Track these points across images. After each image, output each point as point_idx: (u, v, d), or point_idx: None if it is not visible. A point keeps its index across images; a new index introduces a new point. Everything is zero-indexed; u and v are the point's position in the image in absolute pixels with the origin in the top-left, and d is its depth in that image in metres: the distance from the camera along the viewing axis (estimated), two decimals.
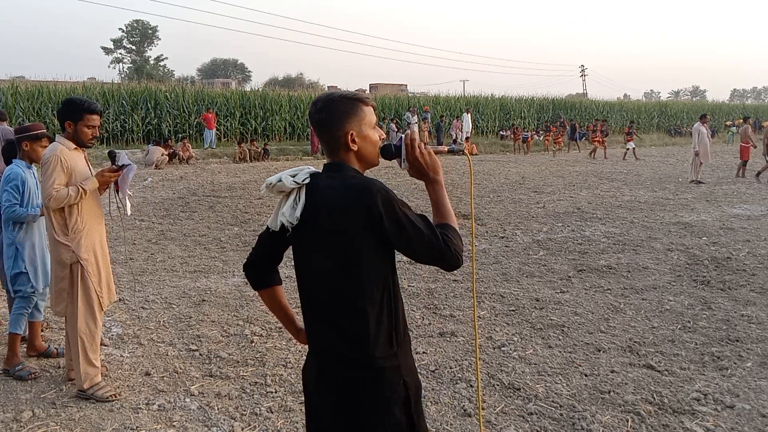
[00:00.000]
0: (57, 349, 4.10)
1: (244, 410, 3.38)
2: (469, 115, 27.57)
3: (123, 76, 66.48)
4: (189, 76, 70.06)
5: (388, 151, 1.79)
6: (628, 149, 21.84)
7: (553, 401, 3.48)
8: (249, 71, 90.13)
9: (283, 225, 1.71)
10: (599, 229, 8.51)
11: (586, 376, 3.82)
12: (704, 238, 7.88)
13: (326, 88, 50.58)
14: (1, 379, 3.73)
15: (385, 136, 1.82)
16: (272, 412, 3.36)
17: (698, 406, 3.41)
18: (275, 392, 3.60)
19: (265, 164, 19.34)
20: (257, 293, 1.94)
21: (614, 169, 17.66)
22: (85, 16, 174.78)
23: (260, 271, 1.88)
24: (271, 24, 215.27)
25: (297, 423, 3.24)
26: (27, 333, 4.05)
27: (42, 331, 4.30)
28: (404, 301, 2.31)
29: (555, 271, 6.31)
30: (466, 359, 4.06)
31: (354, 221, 1.60)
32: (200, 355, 4.14)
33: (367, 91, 49.54)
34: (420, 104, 28.20)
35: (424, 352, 4.17)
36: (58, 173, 3.36)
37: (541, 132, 29.14)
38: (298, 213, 1.68)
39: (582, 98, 44.89)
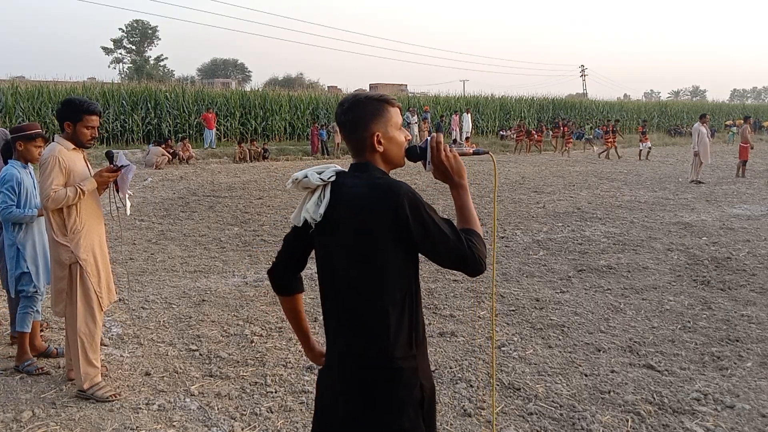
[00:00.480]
0: (57, 349, 4.10)
1: (244, 410, 3.37)
2: (469, 115, 27.57)
3: (123, 76, 66.52)
4: (189, 76, 70.08)
5: (414, 153, 1.78)
6: (643, 149, 21.58)
7: (553, 401, 3.48)
8: (249, 71, 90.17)
9: (306, 222, 1.71)
10: (599, 229, 8.51)
11: (586, 376, 3.82)
12: (704, 238, 7.88)
13: (326, 88, 50.59)
14: (1, 379, 3.73)
15: (410, 137, 1.81)
16: (272, 412, 3.36)
17: (698, 406, 3.41)
18: (275, 392, 3.59)
19: (265, 164, 19.35)
20: (278, 298, 1.94)
21: (614, 169, 17.66)
22: (85, 16, 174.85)
23: (284, 274, 1.88)
24: (271, 24, 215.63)
25: (297, 423, 3.24)
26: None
27: (42, 330, 4.31)
28: None
29: (555, 271, 6.31)
30: (466, 359, 4.06)
31: (379, 222, 1.60)
32: (200, 355, 4.14)
33: (367, 91, 49.50)
34: (420, 104, 28.22)
35: None
36: (56, 174, 3.35)
37: (547, 131, 29.06)
38: (322, 210, 1.68)
39: (582, 98, 44.92)
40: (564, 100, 38.07)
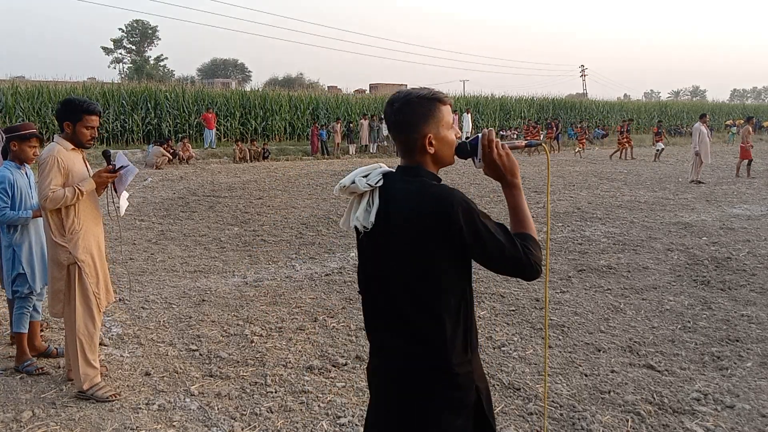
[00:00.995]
0: (57, 349, 4.10)
1: (244, 410, 3.37)
2: (469, 115, 27.56)
3: (123, 76, 66.48)
4: (189, 76, 70.05)
5: (463, 150, 1.72)
6: (658, 150, 21.25)
7: (553, 401, 3.48)
8: (249, 71, 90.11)
9: (356, 227, 1.69)
10: (599, 229, 8.51)
11: (586, 376, 3.82)
12: (704, 238, 7.88)
13: (326, 88, 50.57)
14: (1, 379, 3.73)
15: (460, 134, 1.76)
16: (272, 412, 3.36)
17: (698, 406, 3.41)
18: (275, 392, 3.59)
19: (265, 164, 19.35)
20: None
21: (614, 169, 17.66)
22: (85, 16, 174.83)
23: None
24: (271, 24, 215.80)
25: (297, 423, 3.24)
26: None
27: (42, 331, 4.30)
28: None
29: (555, 271, 6.30)
30: None
31: (434, 231, 1.57)
32: (200, 355, 4.14)
33: (367, 91, 49.52)
34: None
35: None
36: (55, 174, 3.34)
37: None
38: (372, 218, 1.65)
39: (582, 98, 44.93)
40: (564, 100, 38.09)
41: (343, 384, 3.70)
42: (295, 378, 3.78)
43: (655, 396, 3.53)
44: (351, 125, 24.53)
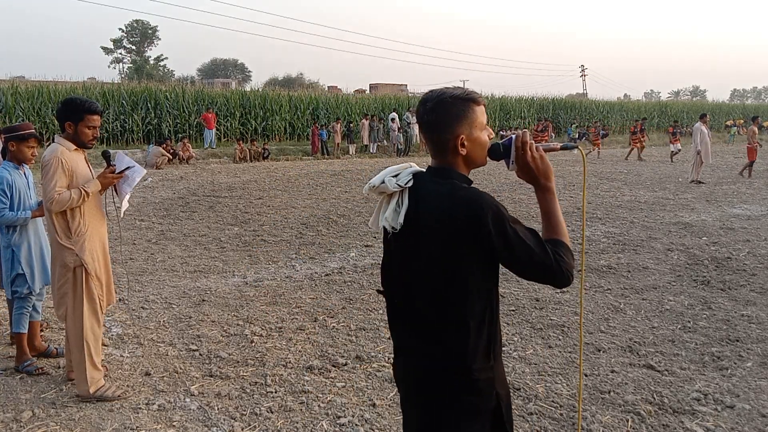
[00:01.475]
0: (57, 349, 4.10)
1: (244, 410, 3.37)
2: None
3: (123, 76, 66.52)
4: (189, 76, 70.03)
5: (496, 152, 1.69)
6: (674, 152, 20.78)
7: (553, 401, 3.48)
8: (249, 71, 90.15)
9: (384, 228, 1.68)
10: (599, 229, 8.51)
11: (586, 376, 3.82)
12: (704, 238, 7.88)
13: (326, 88, 50.56)
14: (1, 379, 3.73)
15: (493, 135, 1.72)
16: (272, 412, 3.36)
17: (698, 406, 3.41)
18: (275, 392, 3.59)
19: (265, 164, 19.35)
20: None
21: (614, 169, 17.66)
22: (85, 16, 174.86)
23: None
24: (271, 24, 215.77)
25: (297, 423, 3.24)
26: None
27: (42, 331, 4.30)
28: None
29: None
30: None
31: (462, 235, 1.54)
32: (200, 355, 4.14)
33: (367, 91, 49.53)
34: None
35: None
36: (60, 176, 3.30)
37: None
38: (401, 218, 1.63)
39: (582, 98, 44.93)
40: (564, 100, 38.09)
41: (343, 384, 3.70)
42: (295, 378, 3.78)
43: (655, 396, 3.53)
44: (351, 125, 24.53)
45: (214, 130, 22.62)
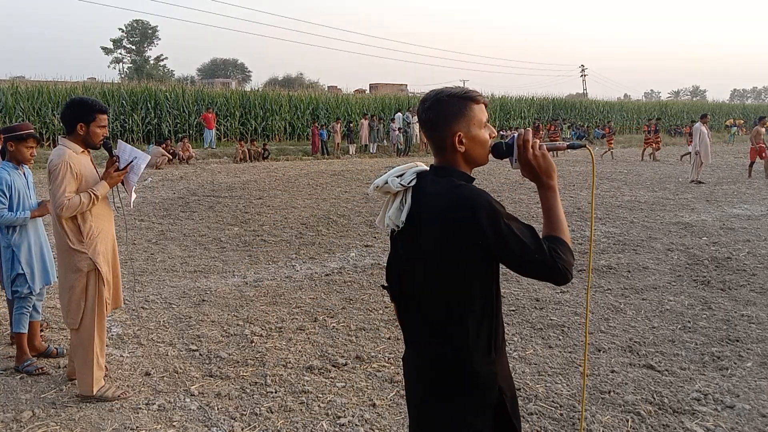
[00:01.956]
0: (57, 349, 4.10)
1: (244, 410, 3.37)
2: None
3: (123, 76, 66.49)
4: (189, 76, 70.13)
5: (499, 150, 1.70)
6: (690, 153, 20.76)
7: (553, 401, 3.48)
8: (249, 71, 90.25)
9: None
10: (599, 229, 8.51)
11: (586, 376, 3.82)
12: (704, 238, 7.88)
13: (326, 88, 50.56)
14: (1, 379, 3.73)
15: (495, 133, 1.73)
16: (272, 412, 3.36)
17: (698, 406, 3.41)
18: (275, 392, 3.59)
19: (265, 164, 19.34)
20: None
21: (614, 169, 17.66)
22: (85, 16, 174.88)
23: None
24: (271, 24, 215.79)
25: (297, 423, 3.24)
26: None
27: (42, 330, 4.30)
28: None
29: None
30: None
31: (458, 232, 1.56)
32: (200, 355, 4.14)
33: (367, 91, 49.52)
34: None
35: None
36: (69, 180, 3.23)
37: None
38: (403, 217, 1.66)
39: (582, 98, 44.96)
40: (564, 100, 38.12)
41: (343, 384, 3.70)
42: (295, 378, 3.78)
43: (655, 396, 3.53)
44: (351, 125, 24.53)
45: (214, 130, 22.63)
